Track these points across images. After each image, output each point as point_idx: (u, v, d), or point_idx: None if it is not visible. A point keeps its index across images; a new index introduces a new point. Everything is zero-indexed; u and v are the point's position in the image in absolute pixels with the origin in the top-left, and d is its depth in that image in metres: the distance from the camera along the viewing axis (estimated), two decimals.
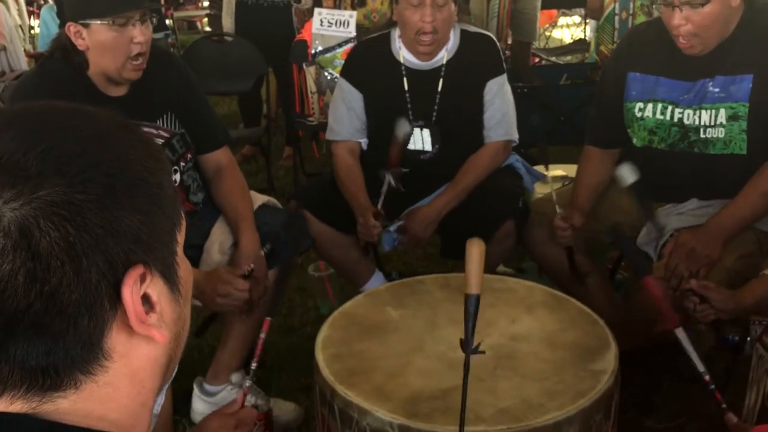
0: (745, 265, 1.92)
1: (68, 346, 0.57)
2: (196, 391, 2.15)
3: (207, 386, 2.15)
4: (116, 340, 0.60)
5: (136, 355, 0.62)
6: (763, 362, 1.75)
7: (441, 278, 1.94)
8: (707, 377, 1.51)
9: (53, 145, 0.58)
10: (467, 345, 1.24)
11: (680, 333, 1.56)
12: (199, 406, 2.14)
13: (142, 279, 0.60)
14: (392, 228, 2.37)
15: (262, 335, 1.66)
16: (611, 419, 1.46)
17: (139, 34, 1.86)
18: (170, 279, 0.64)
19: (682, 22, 1.89)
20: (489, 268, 2.30)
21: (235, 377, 2.13)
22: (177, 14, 7.58)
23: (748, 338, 2.06)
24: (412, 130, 2.31)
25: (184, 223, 0.67)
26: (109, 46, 1.84)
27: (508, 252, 2.41)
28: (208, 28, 7.76)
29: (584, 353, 1.55)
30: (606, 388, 1.42)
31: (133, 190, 0.60)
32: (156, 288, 0.62)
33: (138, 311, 0.60)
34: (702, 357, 1.56)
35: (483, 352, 1.27)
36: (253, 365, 1.65)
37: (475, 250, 1.32)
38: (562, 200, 2.25)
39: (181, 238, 0.66)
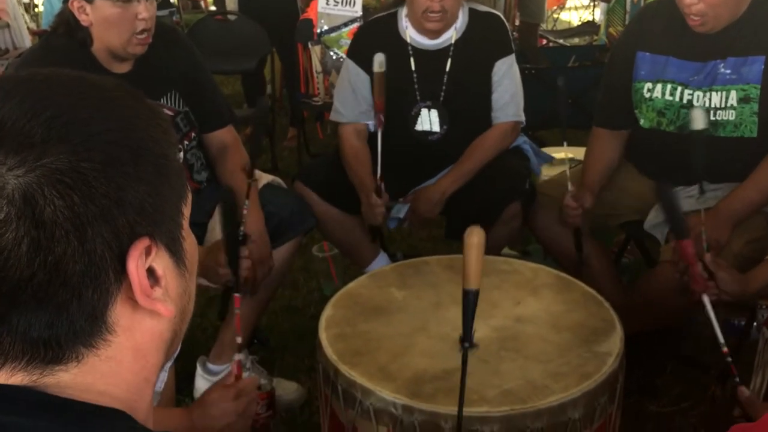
0: (754, 249, 1.90)
1: (72, 318, 0.56)
2: (199, 370, 2.14)
3: (210, 365, 2.14)
4: (120, 313, 0.59)
5: (140, 329, 0.61)
6: None
7: (446, 259, 1.92)
8: (725, 349, 1.51)
9: (58, 112, 0.56)
10: (465, 340, 1.23)
11: (706, 299, 1.56)
12: (203, 385, 2.13)
13: (148, 252, 0.59)
14: (400, 214, 2.35)
15: (237, 311, 1.67)
16: (615, 402, 1.45)
17: (144, 9, 1.84)
18: (176, 252, 0.63)
19: (694, 0, 1.86)
20: (494, 249, 2.30)
21: (238, 356, 2.12)
22: None
23: (755, 323, 2.05)
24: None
25: (190, 196, 0.65)
26: (114, 22, 1.82)
27: (513, 233, 2.39)
28: (212, 8, 7.71)
29: (589, 335, 1.54)
30: (611, 370, 1.41)
31: (138, 159, 0.59)
32: (161, 261, 0.60)
33: (143, 284, 0.58)
34: (706, 340, 1.56)
35: (476, 346, 1.25)
36: (238, 339, 1.66)
37: (475, 241, 1.21)
38: (564, 180, 2.24)
39: (187, 211, 0.65)
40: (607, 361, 1.44)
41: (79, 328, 0.57)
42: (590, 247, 2.22)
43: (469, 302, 1.23)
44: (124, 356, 0.60)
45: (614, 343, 1.49)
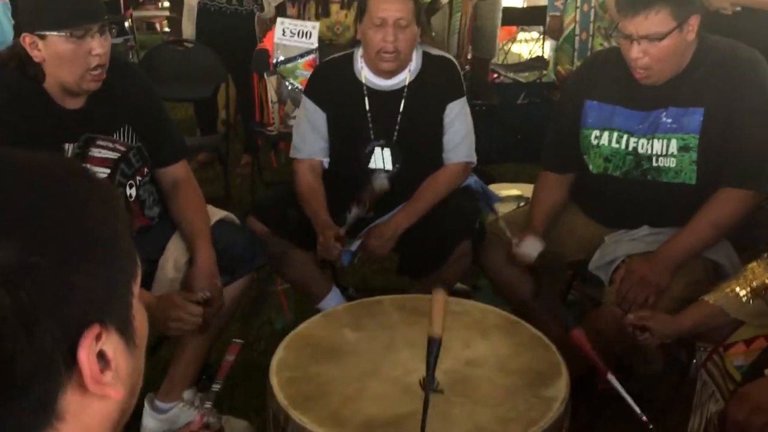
0: (693, 292, 1.97)
1: (21, 413, 0.55)
2: (146, 408, 2.11)
3: (159, 403, 2.11)
4: (70, 401, 0.58)
5: (88, 413, 0.60)
6: (706, 388, 1.80)
7: (398, 299, 1.95)
8: (644, 418, 1.56)
9: (6, 204, 0.56)
10: (428, 385, 1.27)
11: (612, 379, 1.61)
12: (150, 423, 2.10)
13: (98, 337, 0.58)
14: (352, 248, 2.37)
15: (229, 358, 1.65)
16: None
17: (98, 46, 1.82)
18: (126, 333, 0.62)
19: (639, 54, 1.95)
20: (446, 286, 2.33)
21: (187, 394, 2.10)
22: (136, 13, 7.45)
23: (694, 361, 2.12)
24: (389, 187, 2.31)
25: (140, 271, 0.65)
26: (67, 58, 1.80)
27: (464, 271, 2.44)
28: (167, 29, 7.65)
29: (536, 379, 1.58)
30: (557, 416, 1.45)
31: (89, 250, 0.58)
32: (112, 344, 0.60)
33: (94, 372, 0.58)
34: (652, 376, 1.61)
35: (441, 392, 1.30)
36: (215, 387, 1.64)
37: (440, 297, 1.44)
38: (519, 221, 2.29)
39: (136, 288, 0.65)
40: (553, 406, 1.48)
41: (27, 422, 0.56)
42: (538, 286, 2.27)
43: (433, 349, 1.33)
44: None
45: (560, 388, 1.53)
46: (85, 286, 0.57)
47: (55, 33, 1.78)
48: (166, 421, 2.08)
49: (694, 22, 1.95)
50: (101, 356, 0.59)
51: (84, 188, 0.62)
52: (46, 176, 0.61)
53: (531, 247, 2.13)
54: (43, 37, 1.79)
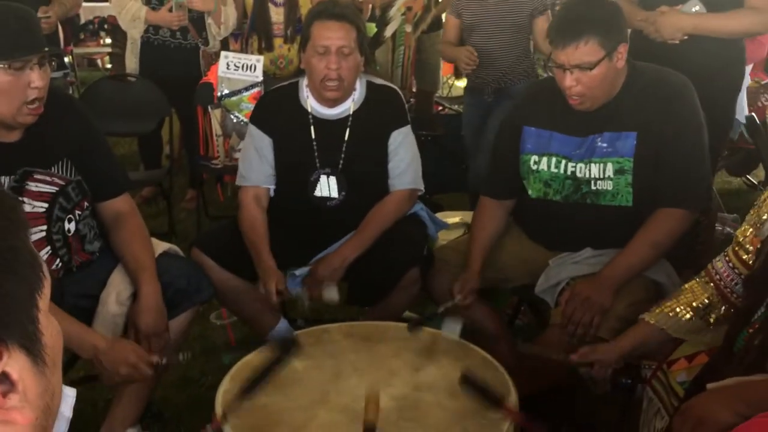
0: (635, 312, 2.01)
1: None
2: None
3: None
4: None
5: None
6: (652, 405, 1.83)
7: (346, 326, 1.94)
8: None
9: None
10: None
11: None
12: None
13: None
14: (297, 272, 2.35)
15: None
16: None
17: (38, 78, 1.78)
18: (32, 350, 0.59)
19: (573, 83, 2.01)
20: (395, 314, 2.34)
21: None
22: (77, 50, 7.35)
23: (639, 383, 2.16)
24: (338, 298, 2.30)
25: (47, 282, 0.62)
26: (4, 91, 1.75)
27: (413, 298, 2.43)
28: (109, 66, 7.57)
29: (488, 405, 1.57)
30: None
31: None
32: (17, 363, 0.57)
33: None
34: (597, 400, 1.62)
35: None
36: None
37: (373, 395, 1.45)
38: (461, 248, 2.32)
39: (43, 301, 0.61)
40: (503, 427, 1.48)
41: None
42: (484, 311, 2.29)
43: None
44: None
45: None
46: None
47: None
48: None
49: (622, 50, 2.03)
50: (5, 378, 0.56)
51: None
52: None
53: (452, 330, 1.93)
54: None
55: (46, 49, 1.83)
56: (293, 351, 1.66)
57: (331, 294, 2.25)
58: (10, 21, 1.76)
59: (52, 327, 0.62)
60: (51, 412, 0.62)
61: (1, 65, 1.73)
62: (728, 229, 3.24)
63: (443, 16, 4.20)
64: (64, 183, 1.96)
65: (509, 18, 3.42)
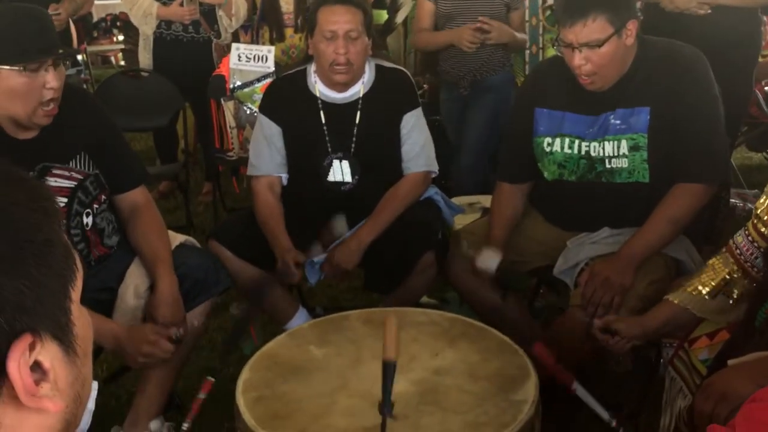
0: (656, 290, 2.00)
1: None
2: None
3: None
4: (3, 413, 0.55)
5: (26, 426, 0.57)
6: (675, 384, 1.82)
7: (365, 313, 1.94)
8: (614, 423, 1.56)
9: None
10: (385, 409, 1.27)
11: (578, 388, 1.61)
12: None
13: (32, 347, 0.56)
14: (315, 259, 2.36)
15: (202, 396, 1.62)
16: None
17: (53, 79, 1.78)
18: (64, 341, 0.60)
19: (582, 62, 1.98)
20: (412, 299, 2.33)
21: (153, 425, 2.05)
22: (90, 48, 7.38)
23: (661, 360, 2.14)
24: (346, 230, 2.32)
25: (79, 275, 0.63)
26: (20, 93, 1.75)
27: (429, 283, 2.43)
28: (122, 63, 7.60)
29: (505, 383, 1.57)
30: (527, 418, 1.44)
31: (17, 255, 0.56)
32: (48, 353, 0.57)
33: (27, 384, 0.55)
34: (622, 377, 1.61)
35: (393, 418, 1.30)
36: (185, 426, 1.60)
37: (392, 319, 1.39)
38: (479, 231, 2.30)
39: (75, 293, 0.62)
40: (523, 408, 1.47)
41: None
42: (504, 295, 2.28)
43: (389, 373, 1.29)
44: None
45: (529, 391, 1.53)
46: (13, 293, 0.55)
47: (7, 67, 1.73)
48: None
49: (631, 26, 1.99)
50: (37, 366, 0.57)
51: (12, 190, 0.59)
52: None
53: (489, 261, 2.13)
54: None
55: (61, 51, 1.84)
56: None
57: (340, 227, 2.24)
58: (25, 23, 1.76)
59: (83, 318, 0.63)
60: (81, 402, 0.64)
61: (17, 68, 1.74)
62: (750, 205, 3.21)
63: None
64: (82, 177, 1.98)
65: (485, 9, 3.31)
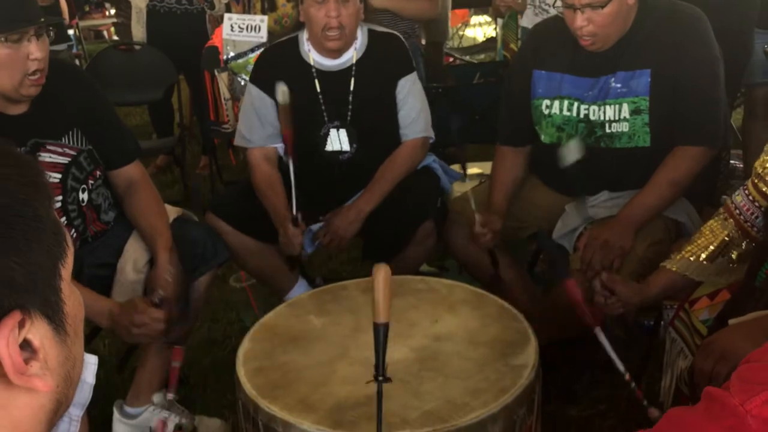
0: (656, 252, 1.99)
1: None
2: (116, 414, 2.07)
3: (128, 408, 2.07)
4: None
5: (16, 405, 0.57)
6: (675, 346, 1.82)
7: (363, 282, 1.93)
8: (627, 376, 1.55)
9: None
10: (378, 374, 1.23)
11: (599, 333, 1.60)
12: (121, 429, 2.06)
13: (21, 324, 0.55)
14: (314, 227, 2.34)
15: (176, 364, 1.61)
16: (534, 413, 1.48)
17: (36, 49, 1.76)
18: (54, 319, 0.59)
19: (584, 23, 1.95)
20: (411, 268, 2.33)
21: (156, 398, 2.05)
22: (82, 23, 7.30)
23: (662, 322, 2.14)
24: (290, 92, 2.20)
25: (70, 252, 0.62)
26: (4, 64, 1.73)
27: (429, 251, 2.43)
28: (115, 37, 7.52)
29: (505, 349, 1.57)
30: (527, 383, 1.44)
31: (6, 230, 0.55)
32: (38, 332, 0.57)
33: (16, 363, 0.54)
34: (618, 342, 1.61)
35: (390, 380, 1.25)
36: (170, 395, 1.59)
37: (381, 277, 1.26)
38: (479, 198, 2.29)
39: (66, 271, 0.61)
40: (523, 373, 1.47)
41: None
42: (503, 259, 2.27)
43: (380, 337, 1.24)
44: None
45: (529, 355, 1.53)
46: (2, 268, 0.54)
47: None
48: (136, 426, 2.04)
49: None
50: (27, 344, 0.56)
51: (0, 165, 0.58)
52: None
53: (571, 154, 2.00)
54: None
55: (43, 19, 1.81)
56: None
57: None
58: None
59: (74, 297, 0.62)
60: (72, 382, 0.63)
61: None
62: None
63: None
64: (75, 153, 1.96)
65: None
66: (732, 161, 3.33)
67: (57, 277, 0.59)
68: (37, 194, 0.59)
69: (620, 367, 1.57)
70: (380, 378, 1.23)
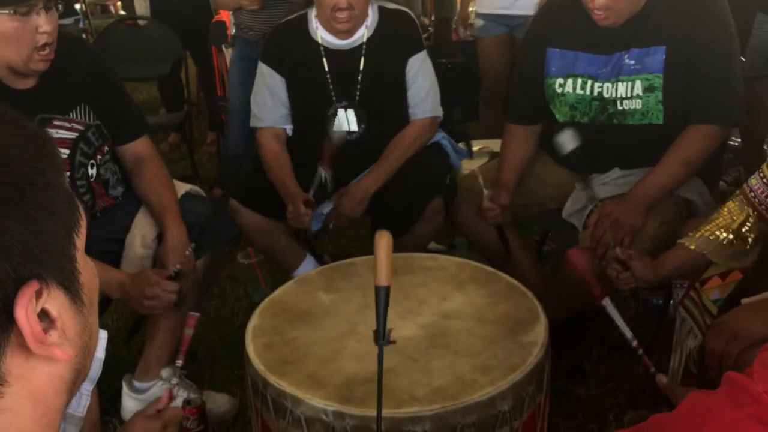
0: (667, 231, 1.97)
1: None
2: (125, 388, 2.08)
3: (136, 383, 2.08)
4: (12, 363, 0.55)
5: (36, 376, 0.57)
6: (685, 325, 1.81)
7: (372, 259, 1.91)
8: (635, 343, 1.54)
9: None
10: (380, 337, 1.22)
11: (607, 303, 1.59)
12: (129, 403, 2.07)
13: (38, 294, 0.55)
14: (324, 210, 2.34)
15: (189, 331, 1.61)
16: (543, 391, 1.48)
17: (45, 22, 1.74)
18: (71, 289, 0.59)
19: None
20: (420, 245, 2.32)
21: (165, 372, 2.07)
22: None
23: (671, 301, 2.13)
24: (347, 134, 2.25)
25: (83, 222, 0.61)
26: (13, 37, 1.72)
27: (438, 229, 2.41)
28: (122, 12, 7.47)
29: (515, 326, 1.57)
30: (537, 360, 1.44)
31: (21, 198, 0.54)
32: (55, 301, 0.57)
33: (36, 332, 0.54)
34: (627, 321, 1.59)
35: (394, 342, 1.23)
36: (179, 362, 1.60)
37: (383, 243, 1.29)
38: (488, 176, 2.27)
39: (80, 241, 0.61)
40: (533, 351, 1.46)
41: None
42: (512, 238, 2.26)
43: (381, 299, 1.23)
44: (21, 405, 0.56)
45: (539, 333, 1.52)
46: (18, 238, 0.53)
47: None
48: (145, 400, 2.04)
49: None
50: (45, 315, 0.56)
51: (14, 133, 0.58)
52: None
53: (568, 140, 2.00)
54: None
55: None
56: None
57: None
58: None
59: (88, 267, 0.63)
60: (89, 352, 0.63)
61: (6, 11, 1.69)
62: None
63: None
64: (83, 128, 1.95)
65: None
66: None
67: (72, 247, 0.59)
68: (49, 163, 0.58)
69: (628, 334, 1.56)
70: (382, 341, 1.22)
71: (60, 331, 0.57)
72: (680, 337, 1.83)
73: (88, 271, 0.63)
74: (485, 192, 2.12)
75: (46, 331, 0.56)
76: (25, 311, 0.53)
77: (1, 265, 0.52)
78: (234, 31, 3.46)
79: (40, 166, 0.57)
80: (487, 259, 2.27)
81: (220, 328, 2.56)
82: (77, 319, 0.60)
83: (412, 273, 1.81)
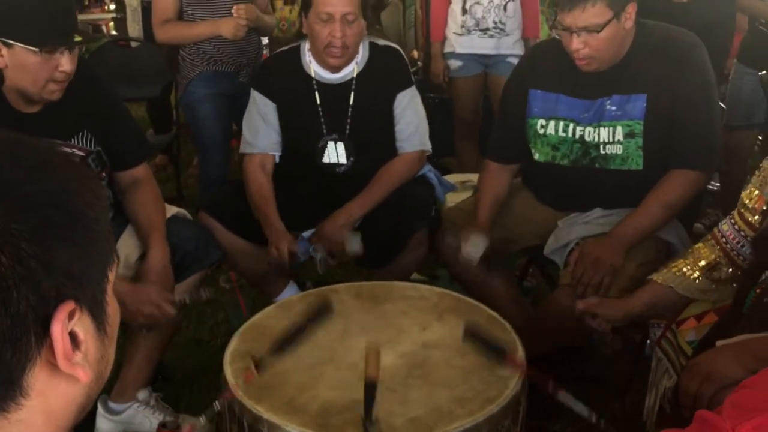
0: (646, 272, 1.99)
1: None
2: (100, 409, 2.06)
3: (112, 404, 2.06)
4: (37, 377, 0.57)
5: (54, 393, 0.59)
6: (661, 365, 1.83)
7: (354, 287, 1.94)
8: (594, 418, 1.55)
9: None
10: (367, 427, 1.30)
11: (560, 394, 1.58)
12: (104, 425, 2.05)
13: (71, 315, 0.58)
14: (306, 235, 2.34)
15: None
16: (519, 424, 1.49)
17: (67, 62, 1.77)
18: (98, 317, 0.62)
19: (580, 46, 1.97)
20: (403, 276, 2.34)
21: (141, 395, 2.05)
22: (81, 17, 7.28)
23: (648, 341, 2.15)
24: (362, 250, 2.26)
25: (116, 261, 0.65)
26: (32, 71, 1.74)
27: (420, 260, 2.43)
28: (114, 32, 7.50)
29: (493, 358, 1.58)
30: (513, 394, 1.45)
31: (71, 223, 0.58)
32: (84, 326, 0.60)
33: (66, 348, 0.57)
34: (606, 359, 1.61)
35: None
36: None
37: (375, 352, 1.45)
38: (470, 209, 2.29)
39: (112, 276, 0.64)
40: (510, 384, 1.48)
41: None
42: (493, 272, 2.28)
43: (370, 393, 1.34)
44: (35, 420, 0.58)
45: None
46: (64, 260, 0.57)
47: (24, 45, 1.71)
48: (120, 422, 2.03)
49: (630, 10, 1.98)
50: (72, 337, 0.59)
51: (69, 169, 0.62)
52: (34, 151, 0.61)
53: (473, 251, 2.11)
54: (9, 45, 1.71)
55: (79, 38, 1.81)
56: (325, 315, 1.65)
57: (354, 245, 2.22)
58: (48, 3, 1.74)
59: (114, 303, 0.66)
60: (101, 381, 0.66)
61: (34, 49, 1.71)
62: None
63: None
64: (84, 154, 1.96)
65: None
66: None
67: (105, 279, 0.63)
68: (97, 199, 0.63)
69: (585, 413, 1.57)
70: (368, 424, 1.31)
71: (83, 354, 0.60)
72: (656, 378, 1.84)
73: (114, 306, 0.66)
74: (462, 243, 2.14)
75: (72, 351, 0.59)
76: (60, 327, 0.56)
77: (46, 281, 0.55)
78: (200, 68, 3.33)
79: (90, 201, 0.61)
80: (467, 292, 2.29)
81: (198, 351, 2.55)
82: (98, 346, 0.63)
83: (392, 301, 1.83)
